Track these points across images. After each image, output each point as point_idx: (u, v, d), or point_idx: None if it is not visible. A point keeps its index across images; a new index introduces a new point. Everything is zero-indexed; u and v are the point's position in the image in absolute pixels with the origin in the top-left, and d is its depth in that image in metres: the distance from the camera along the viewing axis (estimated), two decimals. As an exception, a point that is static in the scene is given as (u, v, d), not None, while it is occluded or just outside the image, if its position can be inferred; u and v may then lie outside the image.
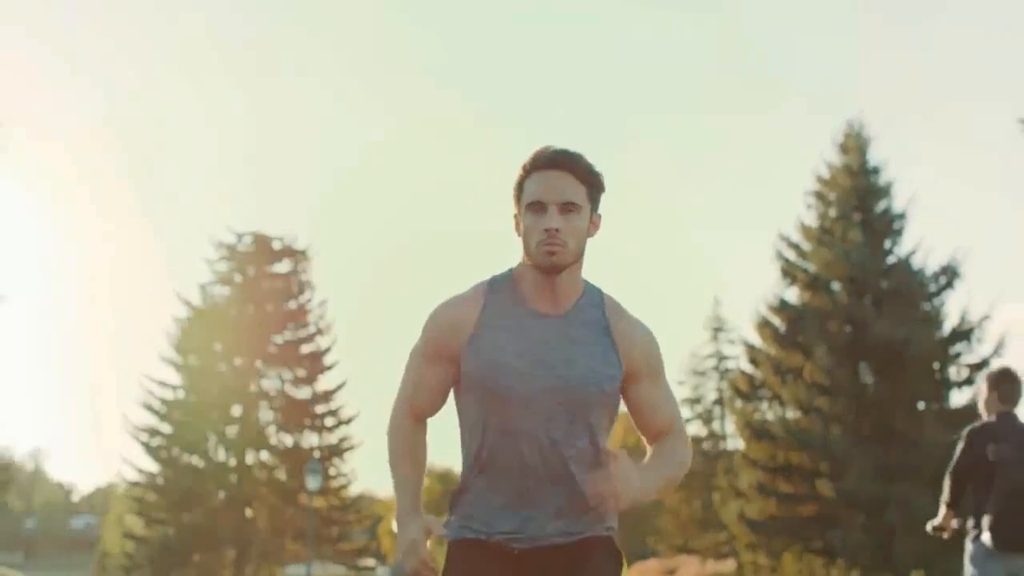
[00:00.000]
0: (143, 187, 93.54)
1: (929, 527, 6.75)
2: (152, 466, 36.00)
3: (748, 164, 79.42)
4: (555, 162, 3.07)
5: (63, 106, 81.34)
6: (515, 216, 3.15)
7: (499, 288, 3.16)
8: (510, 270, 3.18)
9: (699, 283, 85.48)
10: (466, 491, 3.15)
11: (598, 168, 3.13)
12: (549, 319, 3.10)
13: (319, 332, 37.21)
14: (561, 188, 3.05)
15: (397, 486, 3.20)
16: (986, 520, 6.30)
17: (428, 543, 3.14)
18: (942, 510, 6.66)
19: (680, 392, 40.18)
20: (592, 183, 3.10)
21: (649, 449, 3.20)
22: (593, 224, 3.13)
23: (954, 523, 6.61)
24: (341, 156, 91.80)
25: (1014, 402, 6.52)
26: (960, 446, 6.56)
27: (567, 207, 3.05)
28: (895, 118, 74.57)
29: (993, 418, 6.49)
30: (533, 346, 3.07)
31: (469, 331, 3.11)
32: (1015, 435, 6.35)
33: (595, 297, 3.17)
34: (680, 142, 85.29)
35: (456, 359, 3.12)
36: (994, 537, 6.24)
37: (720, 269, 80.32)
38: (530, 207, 3.07)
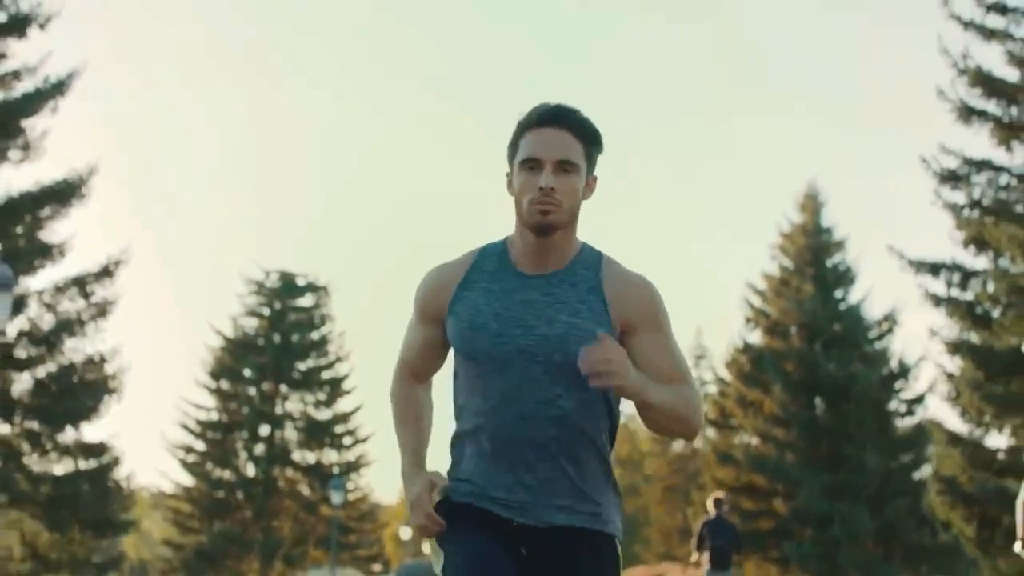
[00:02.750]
0: (142, 189, 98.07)
1: (692, 559, 14.71)
2: (187, 479, 41.95)
3: (748, 169, 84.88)
4: (552, 119, 3.06)
5: (62, 108, 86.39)
6: (507, 175, 3.13)
7: (489, 252, 3.18)
8: (505, 237, 3.20)
9: (699, 285, 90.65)
10: (460, 454, 3.19)
11: (596, 125, 3.11)
12: (533, 279, 3.09)
13: (338, 360, 43.17)
14: (557, 145, 3.03)
15: (401, 446, 3.27)
16: (707, 556, 14.47)
17: (433, 496, 3.16)
18: (695, 553, 14.66)
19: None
20: (590, 141, 3.08)
21: None
22: (588, 186, 3.11)
23: (702, 558, 14.05)
24: (342, 166, 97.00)
25: (720, 510, 14.80)
26: (699, 527, 14.79)
27: (563, 166, 3.02)
28: (894, 122, 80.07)
29: (713, 515, 14.78)
30: (513, 306, 3.07)
31: (452, 296, 3.15)
32: (719, 523, 14.69)
33: (592, 258, 3.14)
34: (680, 148, 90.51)
35: (441, 322, 3.19)
36: (711, 563, 14.14)
37: (720, 273, 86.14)
38: (523, 164, 3.05)
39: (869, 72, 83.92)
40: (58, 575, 22.16)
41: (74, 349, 21.90)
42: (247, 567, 41.70)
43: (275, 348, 42.24)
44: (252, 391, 42.25)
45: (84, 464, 22.43)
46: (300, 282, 43.37)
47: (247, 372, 42.20)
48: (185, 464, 41.55)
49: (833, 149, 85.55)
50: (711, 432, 37.32)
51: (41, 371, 21.78)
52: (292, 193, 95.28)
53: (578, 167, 3.04)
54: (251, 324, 43.04)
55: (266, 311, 43.05)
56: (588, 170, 3.09)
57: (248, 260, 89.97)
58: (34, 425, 21.63)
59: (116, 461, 23.25)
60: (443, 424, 3.33)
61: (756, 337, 36.10)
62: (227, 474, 41.63)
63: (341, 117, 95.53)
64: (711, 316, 78.74)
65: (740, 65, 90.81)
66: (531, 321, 3.05)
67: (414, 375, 3.34)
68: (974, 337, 20.33)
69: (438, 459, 3.23)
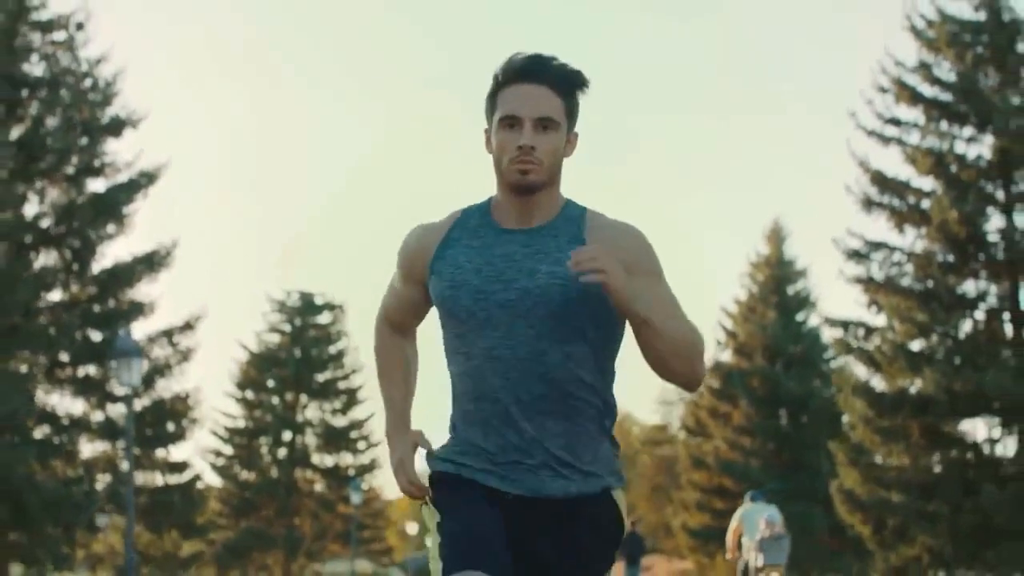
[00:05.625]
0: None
1: None
2: (216, 481, 48.88)
3: (747, 166, 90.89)
4: (531, 73, 3.12)
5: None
6: (486, 131, 3.21)
7: (471, 211, 3.27)
8: (490, 196, 3.27)
9: (698, 285, 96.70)
10: (453, 425, 3.26)
11: (577, 71, 3.17)
12: (515, 233, 3.18)
13: (353, 371, 50.16)
14: (537, 102, 3.09)
15: (385, 402, 3.37)
16: (623, 560, 21.08)
17: (416, 457, 3.24)
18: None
19: (651, 419, 53.42)
20: (570, 94, 3.15)
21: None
22: (570, 143, 3.18)
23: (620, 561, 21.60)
24: (341, 168, 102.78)
25: (635, 527, 22.89)
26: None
27: (543, 123, 3.09)
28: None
29: (629, 530, 22.13)
30: (493, 260, 3.15)
31: (432, 255, 3.24)
32: (632, 536, 22.39)
33: (575, 212, 3.21)
34: (680, 144, 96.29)
35: (423, 282, 3.28)
36: (625, 563, 21.09)
37: (718, 271, 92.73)
38: (502, 122, 3.11)
39: (868, 68, 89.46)
40: (153, 567, 29.61)
41: (164, 388, 29.17)
42: (272, 560, 48.45)
43: (296, 361, 48.95)
44: (275, 400, 48.98)
45: (172, 479, 29.81)
46: (318, 301, 50.35)
47: (270, 383, 48.95)
48: (215, 467, 48.24)
49: (831, 145, 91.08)
50: (688, 439, 44.51)
51: (138, 405, 28.94)
52: (292, 196, 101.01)
53: (558, 124, 3.11)
54: (274, 340, 49.94)
55: (287, 328, 49.96)
56: (569, 126, 3.17)
57: (251, 264, 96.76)
58: (134, 447, 28.85)
59: (197, 477, 30.64)
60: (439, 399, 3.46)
61: (727, 356, 43.27)
62: (253, 476, 48.09)
63: (341, 119, 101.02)
64: (708, 309, 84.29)
65: (741, 62, 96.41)
66: (511, 275, 3.12)
67: (395, 328, 3.44)
68: (870, 381, 27.53)
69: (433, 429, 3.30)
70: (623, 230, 3.18)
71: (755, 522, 16.96)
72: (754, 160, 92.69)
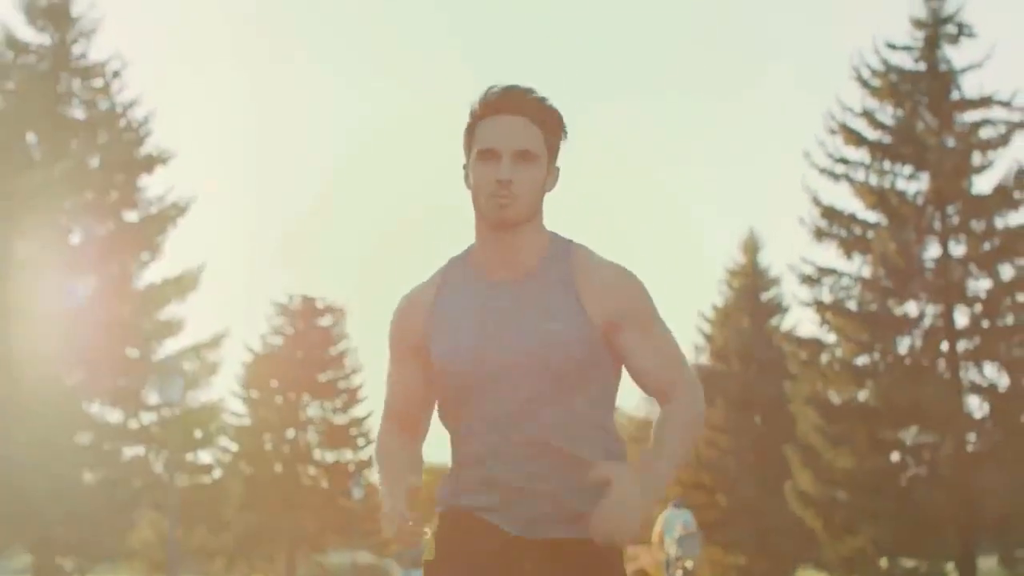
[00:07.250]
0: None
1: None
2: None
3: (735, 143, 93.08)
4: (509, 104, 3.12)
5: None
6: (464, 167, 3.20)
7: (456, 265, 3.27)
8: (469, 246, 3.27)
9: (689, 263, 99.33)
10: (454, 474, 3.29)
11: (556, 107, 3.16)
12: (505, 286, 3.19)
13: (353, 372, 54.22)
14: (515, 134, 3.10)
15: (385, 479, 3.25)
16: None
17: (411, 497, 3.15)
18: None
19: (637, 413, 57.29)
20: (550, 127, 3.15)
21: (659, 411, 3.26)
22: (551, 175, 3.18)
23: None
24: (343, 168, 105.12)
25: None
26: None
27: (521, 155, 3.10)
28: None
29: None
30: (488, 320, 3.16)
31: (426, 321, 3.24)
32: None
33: (562, 251, 3.21)
34: (671, 123, 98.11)
35: (422, 352, 3.27)
36: None
37: (711, 250, 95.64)
38: (481, 155, 3.12)
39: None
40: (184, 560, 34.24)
41: (192, 398, 33.60)
42: (276, 553, 52.56)
43: (298, 362, 53.28)
44: (278, 399, 53.15)
45: (200, 479, 34.34)
46: (319, 304, 54.59)
47: (274, 383, 53.28)
48: (221, 463, 52.54)
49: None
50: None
51: (169, 413, 33.35)
52: (293, 170, 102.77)
53: (538, 157, 3.12)
54: (277, 341, 54.17)
55: (290, 330, 54.20)
56: (551, 160, 3.16)
57: (256, 272, 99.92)
58: (165, 452, 33.32)
59: (223, 478, 35.18)
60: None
61: (705, 359, 47.72)
62: (257, 472, 52.47)
63: (341, 105, 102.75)
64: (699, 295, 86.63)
65: (727, 41, 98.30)
66: (507, 334, 3.14)
67: (404, 427, 3.37)
68: (822, 392, 32.08)
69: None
70: (614, 276, 3.20)
71: (674, 524, 22.49)
72: (737, 171, 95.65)
